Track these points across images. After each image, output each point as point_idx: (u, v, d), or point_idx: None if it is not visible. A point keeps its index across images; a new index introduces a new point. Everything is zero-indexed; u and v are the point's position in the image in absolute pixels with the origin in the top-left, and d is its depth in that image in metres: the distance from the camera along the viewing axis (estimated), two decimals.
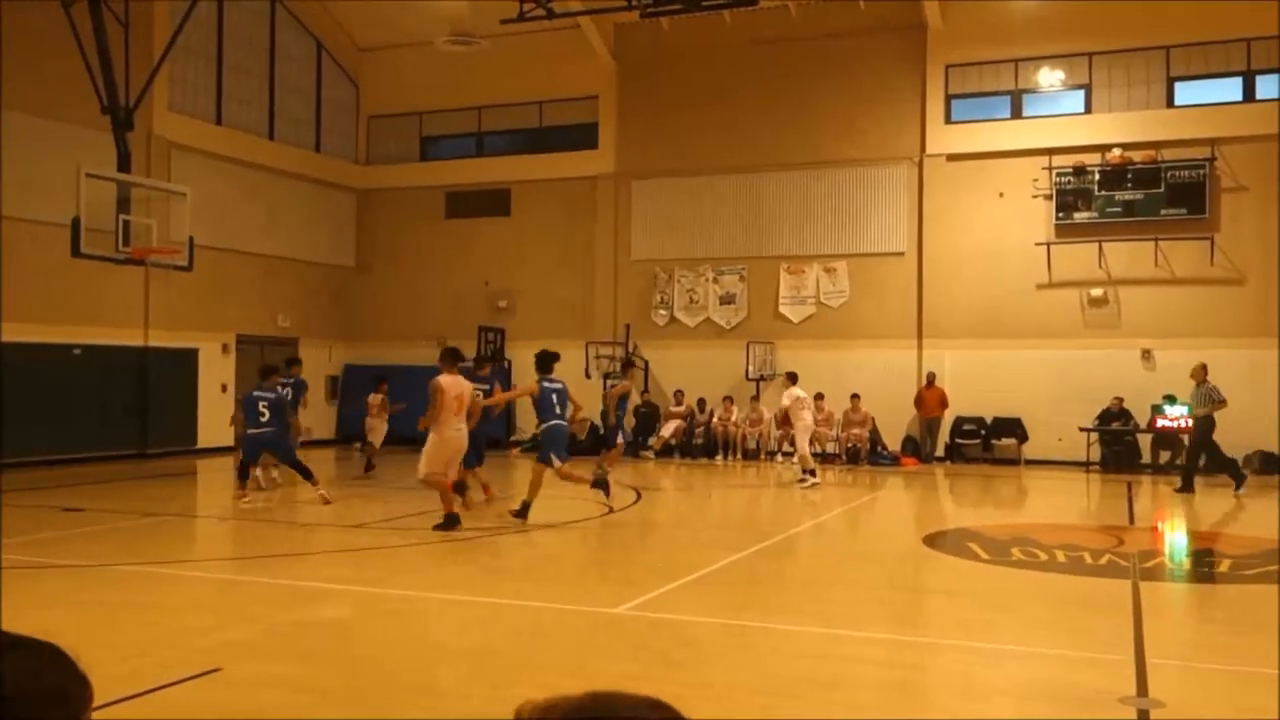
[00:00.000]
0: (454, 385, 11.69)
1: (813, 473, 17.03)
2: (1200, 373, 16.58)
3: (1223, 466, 16.44)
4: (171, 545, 11.35)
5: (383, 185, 26.58)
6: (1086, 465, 20.33)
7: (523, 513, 12.24)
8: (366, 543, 11.29)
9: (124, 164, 15.67)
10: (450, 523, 11.48)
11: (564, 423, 12.78)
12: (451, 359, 11.94)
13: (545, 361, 12.72)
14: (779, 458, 21.77)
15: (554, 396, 12.55)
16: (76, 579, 9.31)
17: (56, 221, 16.24)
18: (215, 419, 20.57)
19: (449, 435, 11.59)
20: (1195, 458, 16.62)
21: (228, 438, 21.79)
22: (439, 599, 8.37)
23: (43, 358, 18.22)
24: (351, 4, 25.21)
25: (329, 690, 5.91)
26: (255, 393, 13.90)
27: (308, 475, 13.68)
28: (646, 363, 23.76)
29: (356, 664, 6.48)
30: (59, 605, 8.33)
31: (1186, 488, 16.27)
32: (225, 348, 22.48)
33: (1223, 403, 16.29)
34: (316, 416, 25.16)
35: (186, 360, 21.43)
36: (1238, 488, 16.06)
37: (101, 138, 16.34)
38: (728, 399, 22.52)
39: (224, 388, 21.87)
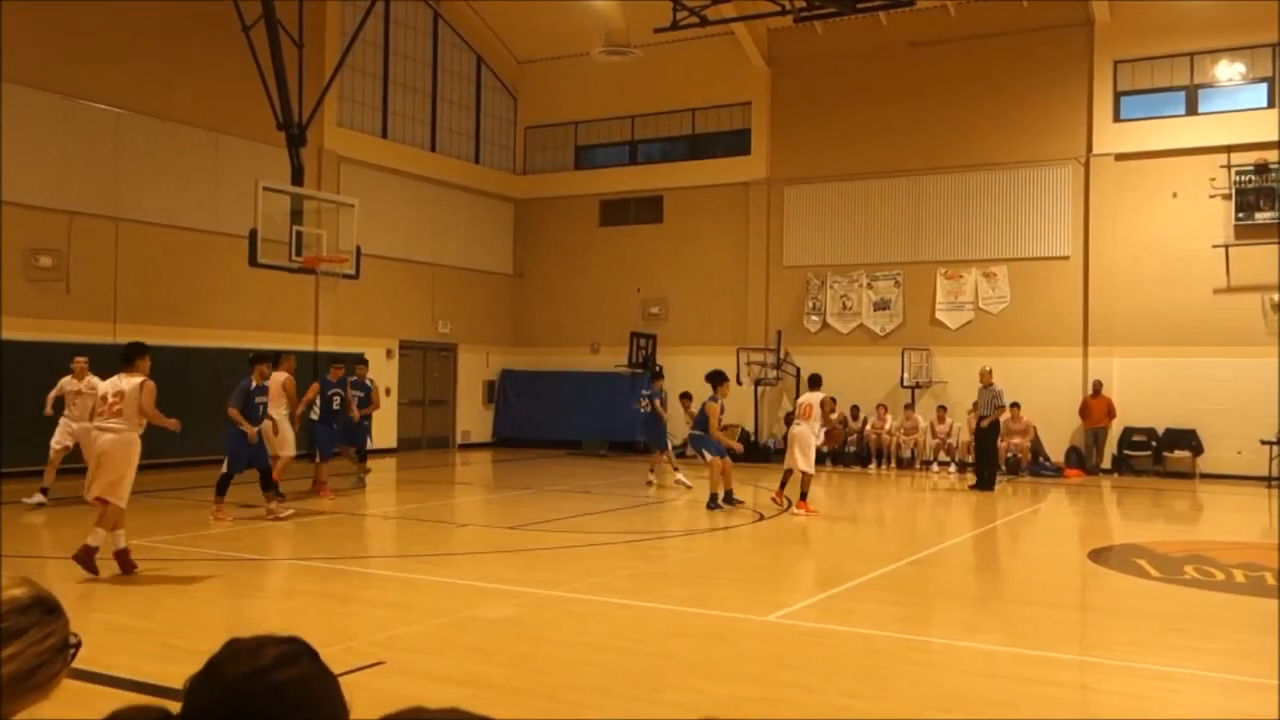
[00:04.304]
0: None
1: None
2: (987, 376, 17.71)
3: (985, 466, 17.75)
4: (344, 541, 11.83)
5: (539, 194, 27.12)
6: (1269, 480, 19.20)
7: None
8: (525, 543, 11.54)
9: (297, 177, 16.40)
10: None
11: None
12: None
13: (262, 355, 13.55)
14: (934, 466, 21.32)
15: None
16: (259, 572, 9.80)
17: (234, 233, 17.15)
18: (381, 421, 21.30)
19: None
20: (986, 458, 17.83)
21: (390, 438, 22.56)
22: (596, 600, 8.48)
23: (223, 361, 19.22)
24: (511, 19, 25.85)
25: (490, 685, 6.07)
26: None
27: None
28: (798, 369, 23.57)
29: (518, 661, 6.63)
30: (250, 596, 8.79)
31: (983, 485, 17.56)
32: (389, 353, 23.29)
33: (1002, 408, 17.83)
34: (474, 420, 25.89)
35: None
36: (981, 485, 17.46)
37: (276, 152, 17.19)
38: (881, 406, 22.16)
39: (387, 391, 22.65)
